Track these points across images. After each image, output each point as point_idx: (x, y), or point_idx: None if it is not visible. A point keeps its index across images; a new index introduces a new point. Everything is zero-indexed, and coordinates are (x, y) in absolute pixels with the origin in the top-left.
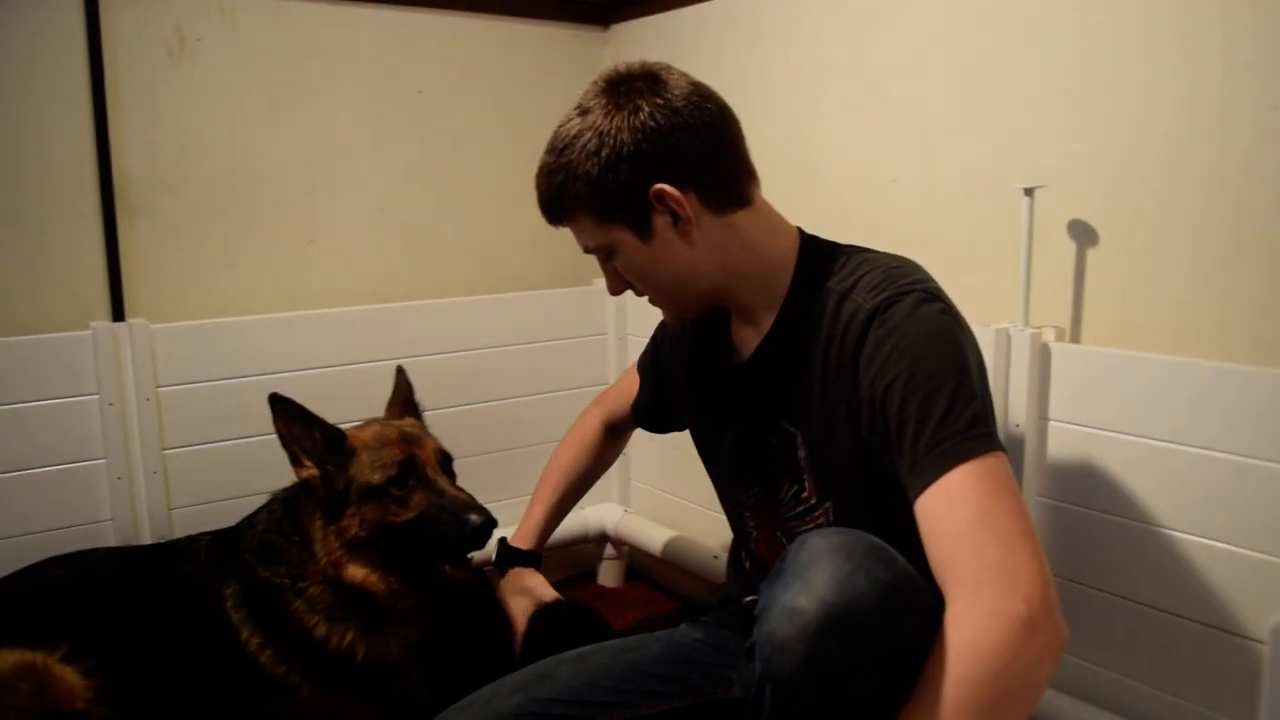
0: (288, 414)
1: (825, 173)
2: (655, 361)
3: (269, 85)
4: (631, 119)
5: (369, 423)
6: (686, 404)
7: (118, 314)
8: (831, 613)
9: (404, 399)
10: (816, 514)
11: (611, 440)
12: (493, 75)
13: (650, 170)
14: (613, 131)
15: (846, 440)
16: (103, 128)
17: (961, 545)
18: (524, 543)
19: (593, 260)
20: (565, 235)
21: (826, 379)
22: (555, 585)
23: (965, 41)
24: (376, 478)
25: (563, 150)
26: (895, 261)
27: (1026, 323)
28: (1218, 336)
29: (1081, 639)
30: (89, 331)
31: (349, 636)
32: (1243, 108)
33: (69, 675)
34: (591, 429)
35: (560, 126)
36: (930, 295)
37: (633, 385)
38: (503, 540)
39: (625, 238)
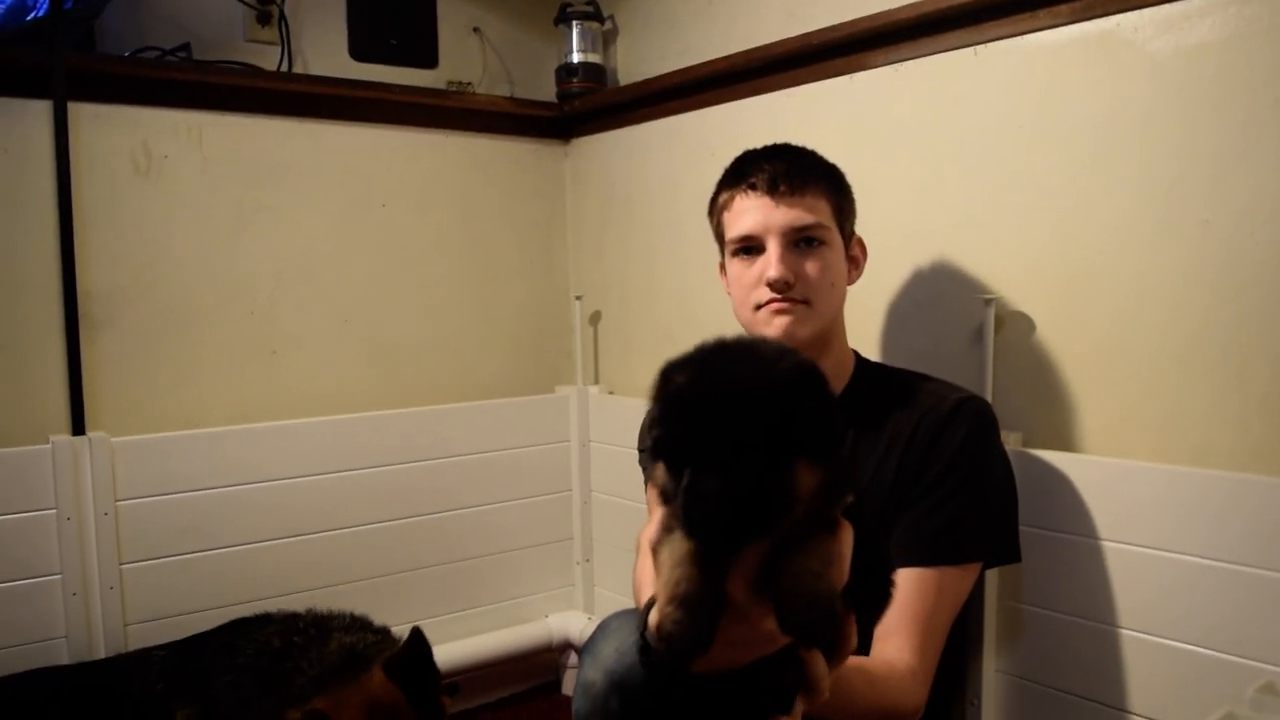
0: None
1: None
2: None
3: (234, 200)
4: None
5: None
6: None
7: (78, 428)
8: (612, 680)
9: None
10: None
11: None
12: (456, 188)
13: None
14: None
15: (891, 504)
16: (68, 243)
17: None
18: None
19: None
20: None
21: (891, 449)
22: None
23: (926, 164)
24: None
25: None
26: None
27: None
28: (1160, 441)
29: None
30: (48, 446)
31: None
32: (1175, 222)
33: None
34: None
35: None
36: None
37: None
38: None
39: (837, 240)
